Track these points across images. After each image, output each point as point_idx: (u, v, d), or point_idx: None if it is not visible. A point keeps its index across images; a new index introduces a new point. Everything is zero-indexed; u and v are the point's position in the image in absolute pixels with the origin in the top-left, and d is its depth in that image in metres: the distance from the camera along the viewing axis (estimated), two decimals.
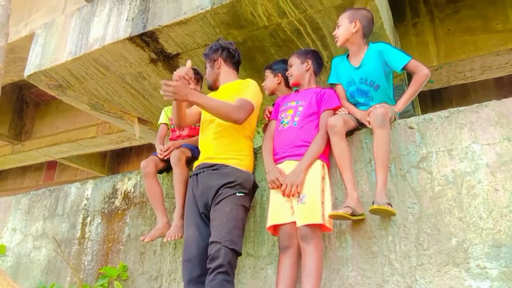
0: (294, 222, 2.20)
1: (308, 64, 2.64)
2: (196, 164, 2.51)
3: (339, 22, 2.59)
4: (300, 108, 2.48)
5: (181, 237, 2.52)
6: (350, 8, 2.68)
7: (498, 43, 4.39)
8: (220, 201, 2.26)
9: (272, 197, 2.36)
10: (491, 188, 2.02)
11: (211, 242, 2.17)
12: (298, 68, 2.64)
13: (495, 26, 4.47)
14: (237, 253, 2.19)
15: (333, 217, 2.14)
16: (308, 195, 2.19)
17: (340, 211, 2.08)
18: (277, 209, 2.29)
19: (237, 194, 2.29)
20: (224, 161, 2.37)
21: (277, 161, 2.40)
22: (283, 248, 2.23)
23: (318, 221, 2.12)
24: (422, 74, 2.40)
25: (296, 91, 2.67)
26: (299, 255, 2.20)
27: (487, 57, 4.49)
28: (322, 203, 2.17)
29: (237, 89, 2.51)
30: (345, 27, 2.54)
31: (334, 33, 2.63)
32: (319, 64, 2.71)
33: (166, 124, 3.15)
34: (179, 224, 2.56)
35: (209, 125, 2.51)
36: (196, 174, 2.44)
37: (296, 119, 2.44)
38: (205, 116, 2.57)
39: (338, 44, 2.60)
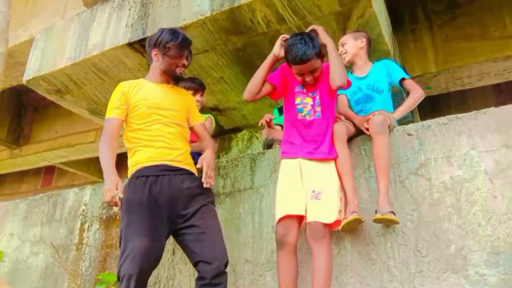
0: (303, 217, 2.10)
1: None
2: (147, 163, 2.11)
3: (344, 40, 2.73)
4: (317, 97, 2.29)
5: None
6: (351, 31, 2.90)
7: (495, 50, 4.41)
8: (208, 215, 2.12)
9: (282, 188, 2.21)
10: (490, 195, 2.02)
11: (210, 260, 1.99)
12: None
13: (492, 33, 4.50)
14: None
15: (344, 227, 2.09)
16: (325, 192, 2.09)
17: (350, 217, 2.05)
18: (288, 200, 2.14)
19: (215, 209, 2.21)
20: (190, 168, 2.22)
21: (295, 154, 2.24)
22: (282, 245, 2.07)
23: (332, 220, 2.03)
24: (418, 93, 2.57)
25: None
26: (296, 252, 2.09)
27: (485, 63, 4.50)
28: (341, 199, 2.13)
29: (191, 107, 2.37)
30: (353, 44, 2.70)
31: (340, 50, 2.70)
32: None
33: None
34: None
35: (169, 125, 2.21)
36: (157, 176, 2.09)
37: (318, 109, 2.27)
38: (161, 110, 2.20)
39: (347, 58, 2.69)
